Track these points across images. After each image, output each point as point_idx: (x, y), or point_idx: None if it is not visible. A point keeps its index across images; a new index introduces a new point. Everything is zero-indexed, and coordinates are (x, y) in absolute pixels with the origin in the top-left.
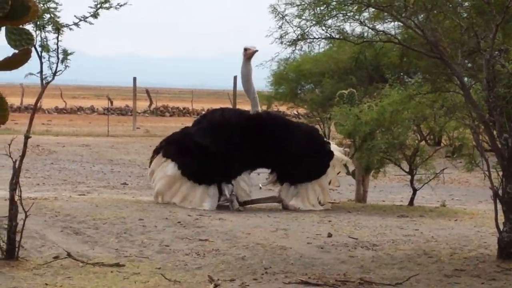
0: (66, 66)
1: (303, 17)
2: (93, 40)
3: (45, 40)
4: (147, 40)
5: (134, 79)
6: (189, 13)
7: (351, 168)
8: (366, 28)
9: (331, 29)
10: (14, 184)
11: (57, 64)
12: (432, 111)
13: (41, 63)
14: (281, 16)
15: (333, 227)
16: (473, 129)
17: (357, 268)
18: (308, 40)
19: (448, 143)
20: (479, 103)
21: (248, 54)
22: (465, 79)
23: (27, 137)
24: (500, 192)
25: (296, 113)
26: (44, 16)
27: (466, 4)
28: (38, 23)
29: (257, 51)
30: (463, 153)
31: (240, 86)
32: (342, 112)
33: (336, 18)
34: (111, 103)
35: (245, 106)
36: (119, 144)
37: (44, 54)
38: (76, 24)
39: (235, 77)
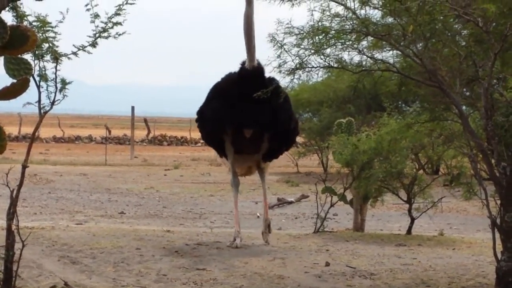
0: (64, 96)
1: (302, 46)
2: (91, 69)
3: (43, 69)
4: (146, 69)
5: (132, 108)
6: (188, 41)
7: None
8: (365, 57)
9: (330, 58)
10: (11, 214)
11: (55, 93)
12: (430, 140)
13: (39, 93)
14: (279, 45)
15: (331, 256)
16: (471, 158)
17: None
18: (307, 69)
19: (446, 171)
20: (477, 132)
21: None
22: (464, 107)
23: (24, 167)
24: (498, 221)
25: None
26: (42, 46)
27: (465, 32)
28: (36, 52)
29: None
30: (461, 181)
31: None
32: (340, 141)
33: (334, 47)
34: (109, 132)
35: None
36: (117, 173)
37: (42, 83)
38: (74, 53)
39: None
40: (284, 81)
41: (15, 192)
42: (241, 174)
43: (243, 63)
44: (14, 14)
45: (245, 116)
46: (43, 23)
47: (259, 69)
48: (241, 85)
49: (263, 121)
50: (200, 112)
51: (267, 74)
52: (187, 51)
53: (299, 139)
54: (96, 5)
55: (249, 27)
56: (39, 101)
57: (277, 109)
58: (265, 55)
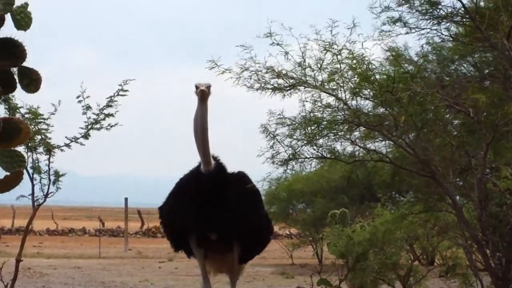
0: (57, 188)
1: (294, 137)
2: (84, 160)
3: (36, 161)
4: (139, 160)
5: (126, 199)
6: (178, 134)
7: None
8: (357, 147)
9: (322, 148)
10: None
11: (48, 185)
12: (425, 230)
13: (33, 185)
14: (272, 135)
15: None
16: (466, 249)
17: None
18: (300, 160)
19: (441, 262)
20: (472, 222)
21: (201, 94)
22: (457, 197)
23: (18, 261)
24: None
25: (288, 233)
26: (35, 138)
27: (456, 122)
28: (29, 144)
29: (208, 88)
30: (456, 272)
31: None
32: (334, 232)
33: (327, 137)
34: (103, 224)
35: None
36: (111, 266)
37: (35, 175)
38: (67, 145)
39: None
40: (277, 171)
41: (9, 286)
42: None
43: (200, 165)
44: (6, 106)
45: (207, 221)
46: (35, 115)
47: (218, 170)
48: (200, 188)
49: (227, 225)
50: (161, 215)
51: (236, 168)
52: (183, 142)
53: (293, 230)
54: (87, 97)
55: (203, 128)
56: (33, 193)
57: (244, 208)
58: (258, 145)
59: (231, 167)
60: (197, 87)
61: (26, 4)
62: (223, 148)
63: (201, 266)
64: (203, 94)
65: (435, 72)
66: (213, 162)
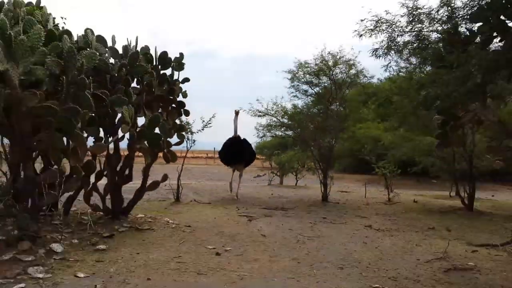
0: (194, 144)
1: (264, 130)
2: (201, 137)
3: (186, 136)
4: (217, 136)
5: (214, 148)
6: (231, 124)
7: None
8: (283, 133)
9: (272, 133)
10: (178, 179)
11: (191, 144)
12: (303, 158)
13: (187, 144)
14: (257, 129)
15: (273, 191)
16: (315, 163)
17: (280, 204)
18: (266, 136)
19: (307, 167)
20: (317, 156)
21: (236, 113)
22: (312, 149)
23: (182, 166)
24: (323, 181)
25: (262, 157)
26: (186, 129)
27: (312, 125)
28: (184, 133)
29: (239, 111)
30: (311, 170)
31: None
32: (276, 158)
33: (274, 130)
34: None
35: None
36: (213, 168)
37: (185, 140)
38: (196, 132)
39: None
40: (257, 139)
41: (180, 173)
42: (236, 169)
43: (233, 136)
44: (178, 121)
45: (235, 157)
46: (188, 124)
47: (239, 138)
48: (232, 144)
49: (242, 158)
50: (219, 153)
51: (242, 137)
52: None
53: (263, 157)
54: (203, 120)
55: (235, 125)
56: (187, 146)
57: (247, 152)
58: (252, 130)
59: (242, 136)
60: (235, 110)
61: (185, 91)
62: (240, 132)
63: (232, 170)
64: (236, 113)
65: (308, 111)
66: (238, 135)
